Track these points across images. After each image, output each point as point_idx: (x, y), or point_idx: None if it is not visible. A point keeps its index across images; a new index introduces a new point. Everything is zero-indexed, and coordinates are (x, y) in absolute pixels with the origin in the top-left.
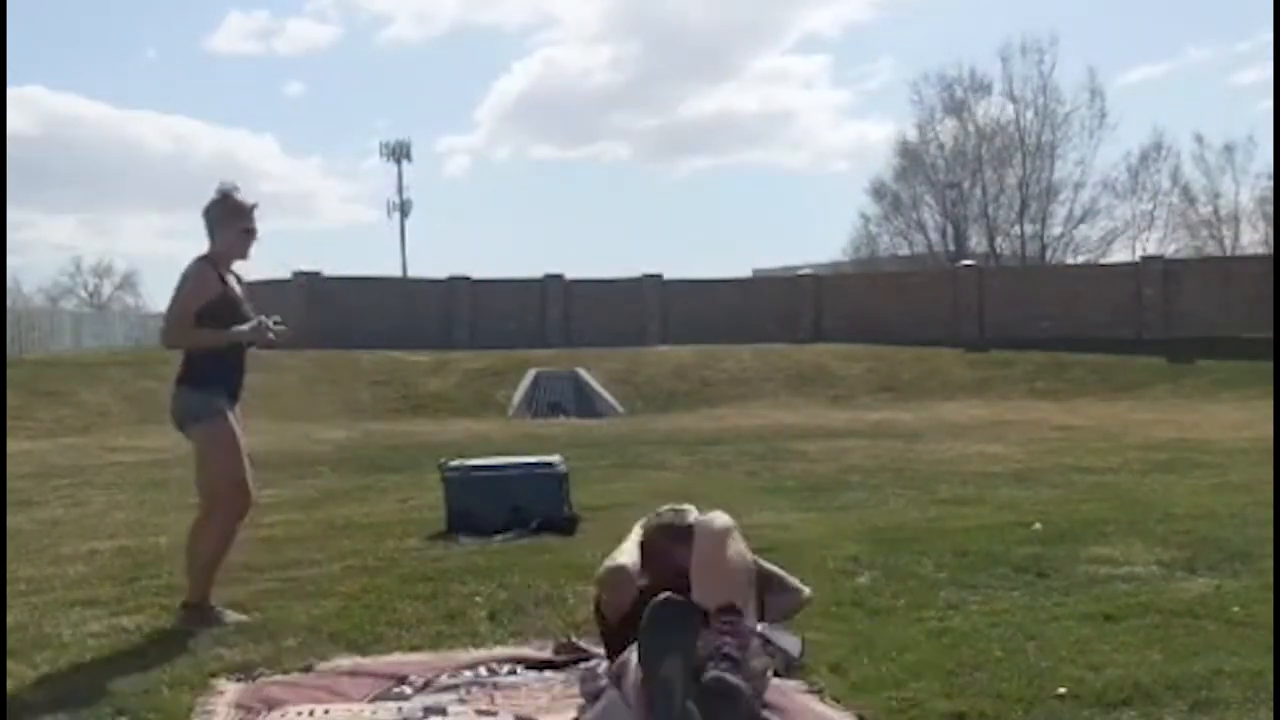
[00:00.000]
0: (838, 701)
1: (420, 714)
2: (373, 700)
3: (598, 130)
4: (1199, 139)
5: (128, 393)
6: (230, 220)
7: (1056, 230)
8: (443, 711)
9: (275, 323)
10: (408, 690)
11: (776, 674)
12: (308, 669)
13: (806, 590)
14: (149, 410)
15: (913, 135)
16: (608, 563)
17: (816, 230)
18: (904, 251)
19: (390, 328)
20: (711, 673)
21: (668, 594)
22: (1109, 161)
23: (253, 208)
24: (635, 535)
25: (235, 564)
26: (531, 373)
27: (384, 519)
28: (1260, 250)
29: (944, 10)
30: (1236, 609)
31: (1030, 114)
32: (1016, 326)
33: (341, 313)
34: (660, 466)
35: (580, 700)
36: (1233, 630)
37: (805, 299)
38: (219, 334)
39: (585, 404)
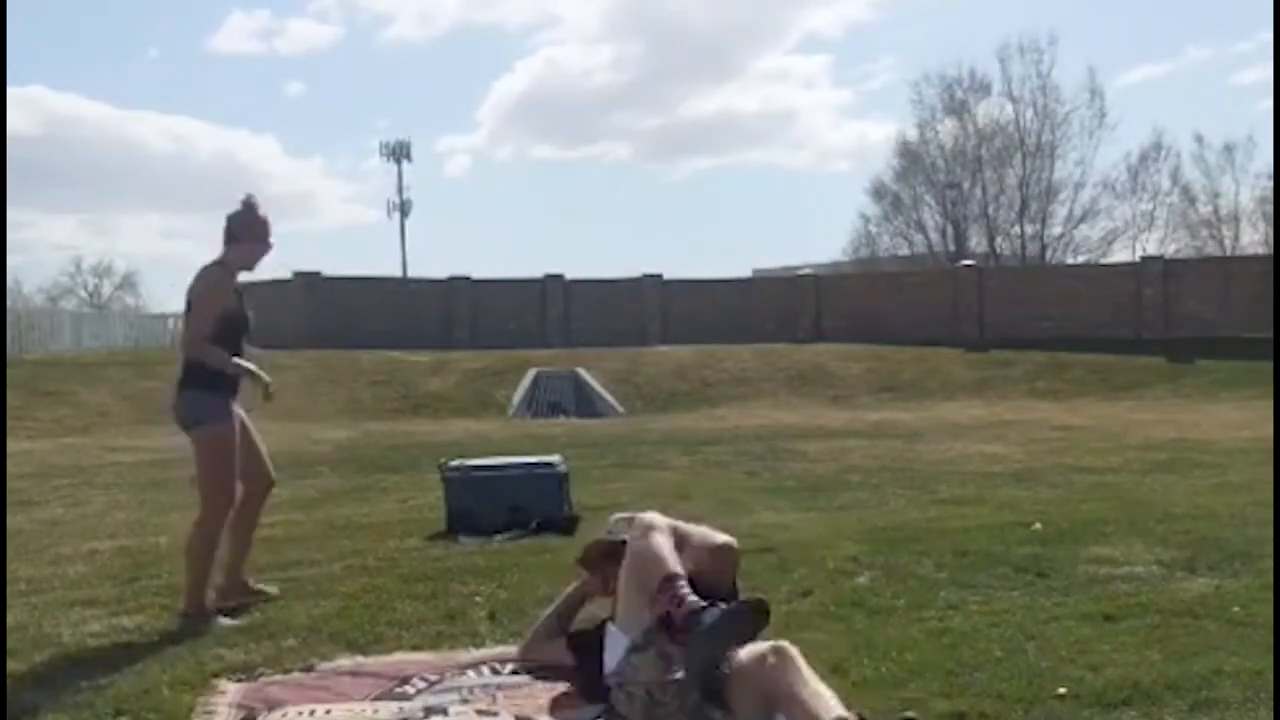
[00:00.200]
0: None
1: (421, 714)
2: (373, 700)
3: (599, 130)
4: (1199, 139)
5: (128, 393)
6: (253, 233)
7: (1056, 230)
8: (444, 711)
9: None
10: (409, 690)
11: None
12: (308, 669)
13: (722, 537)
14: (149, 410)
15: (913, 135)
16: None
17: (816, 230)
18: (904, 251)
19: (390, 328)
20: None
21: (759, 599)
22: (1109, 161)
23: (269, 221)
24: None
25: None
26: (531, 373)
27: (384, 519)
28: (1260, 250)
29: (945, 10)
30: (1236, 609)
31: (1030, 114)
32: (1016, 326)
33: (341, 313)
34: (660, 466)
35: (580, 700)
36: (1233, 630)
37: (805, 299)
38: (228, 361)
39: (585, 404)
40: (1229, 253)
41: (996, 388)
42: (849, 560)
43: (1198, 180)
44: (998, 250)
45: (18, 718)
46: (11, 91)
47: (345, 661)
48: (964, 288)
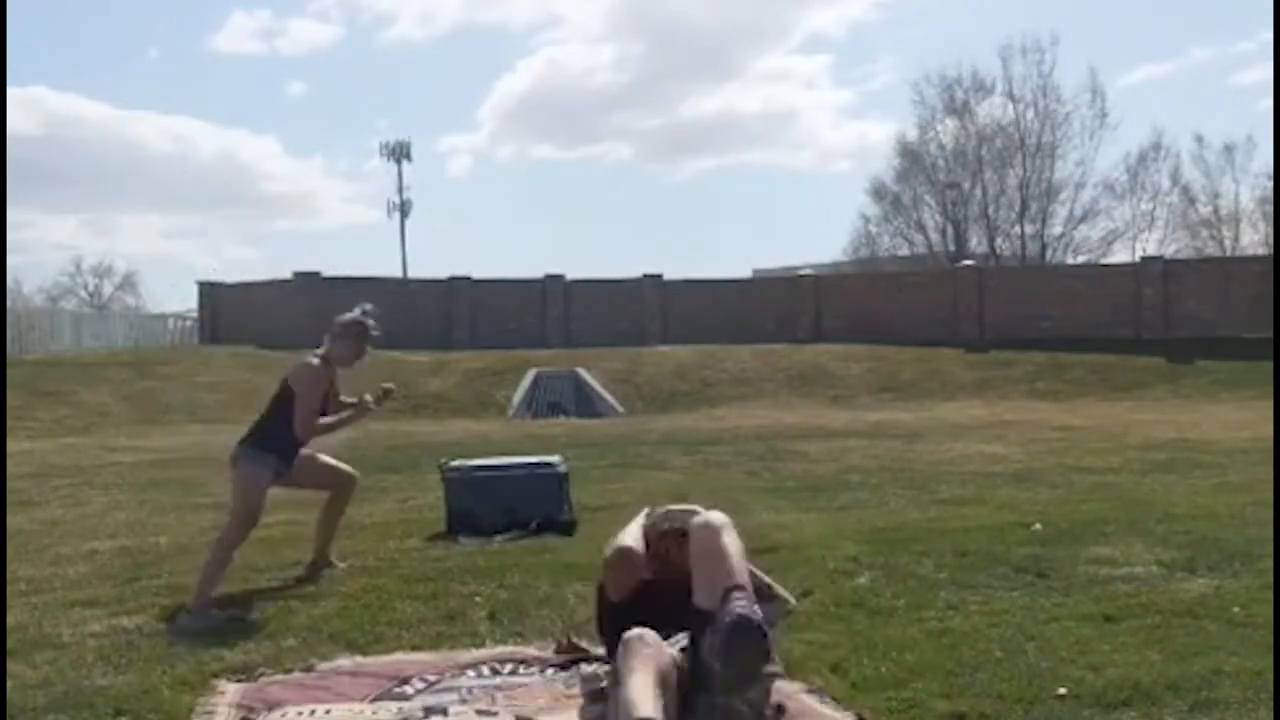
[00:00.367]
0: (838, 701)
1: (421, 714)
2: (373, 700)
3: (600, 130)
4: (1199, 139)
5: (128, 393)
6: (355, 343)
7: (1056, 230)
8: (443, 711)
9: (385, 390)
10: (408, 690)
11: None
12: (308, 669)
13: (792, 600)
14: (149, 410)
15: (913, 135)
16: (615, 542)
17: (817, 230)
18: (904, 252)
19: (390, 328)
20: (735, 609)
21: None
22: (1109, 162)
23: (374, 339)
24: (639, 522)
25: (236, 564)
26: (531, 373)
27: (384, 519)
28: (1260, 250)
29: (946, 10)
30: (1236, 609)
31: (1031, 114)
32: (1016, 327)
33: (342, 313)
34: (660, 467)
35: (580, 700)
36: (1233, 630)
37: (805, 299)
38: (332, 423)
39: (585, 404)
40: (1229, 253)
41: (996, 388)
42: (849, 560)
43: (1198, 180)
44: (998, 250)
45: (18, 718)
46: (12, 91)
47: (345, 661)
48: (964, 288)
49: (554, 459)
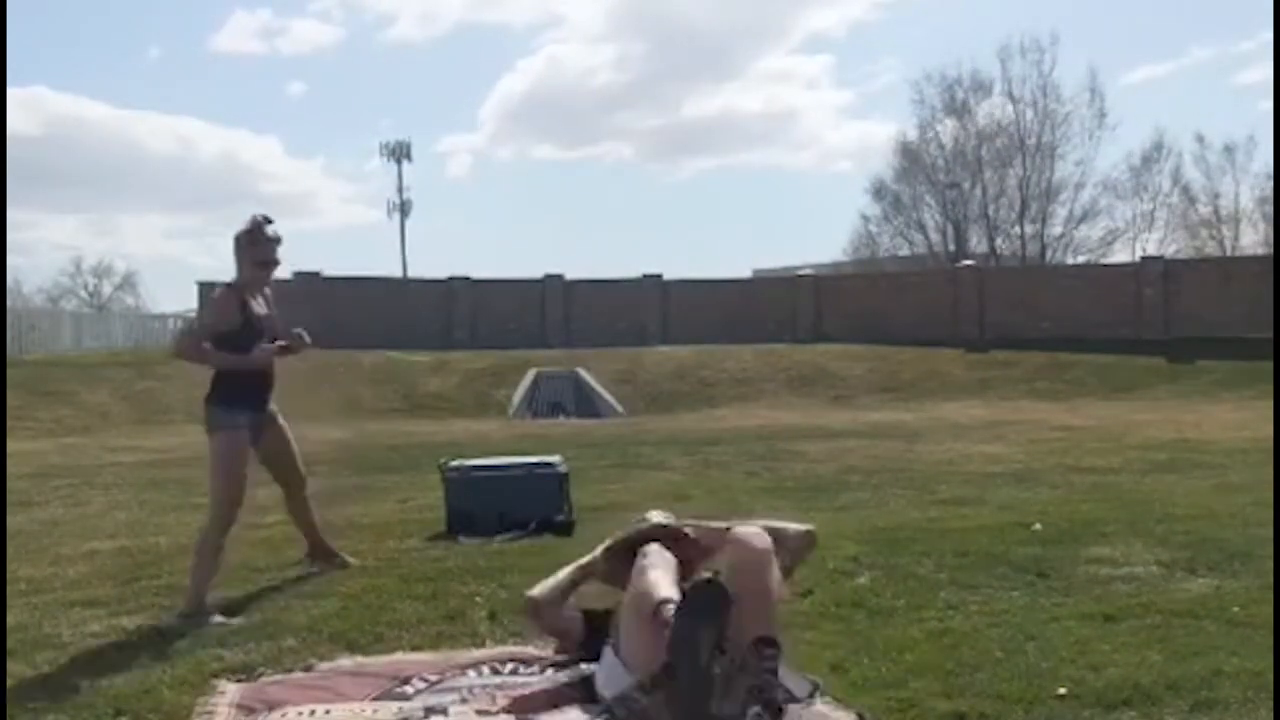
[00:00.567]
0: (838, 701)
1: (421, 714)
2: (373, 700)
3: (601, 130)
4: (1200, 139)
5: (128, 393)
6: (249, 252)
7: (1057, 230)
8: (443, 711)
9: (294, 334)
10: (408, 690)
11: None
12: (308, 669)
13: (805, 526)
14: (149, 410)
15: (913, 135)
16: (528, 591)
17: (817, 230)
18: (904, 252)
19: (390, 328)
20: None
21: (707, 577)
22: (1110, 162)
23: (273, 242)
24: (569, 569)
25: (235, 564)
26: (532, 373)
27: (384, 519)
28: (1260, 250)
29: (946, 10)
30: (1236, 609)
31: (1031, 114)
32: (1017, 327)
33: (341, 313)
34: (660, 467)
35: (580, 700)
36: (1233, 630)
37: (805, 299)
38: (226, 358)
39: (585, 404)
40: (1229, 253)
41: (997, 388)
42: (849, 560)
43: (1198, 180)
44: (998, 250)
45: (17, 718)
46: (12, 91)
47: (345, 661)
48: (964, 288)
49: (554, 459)
